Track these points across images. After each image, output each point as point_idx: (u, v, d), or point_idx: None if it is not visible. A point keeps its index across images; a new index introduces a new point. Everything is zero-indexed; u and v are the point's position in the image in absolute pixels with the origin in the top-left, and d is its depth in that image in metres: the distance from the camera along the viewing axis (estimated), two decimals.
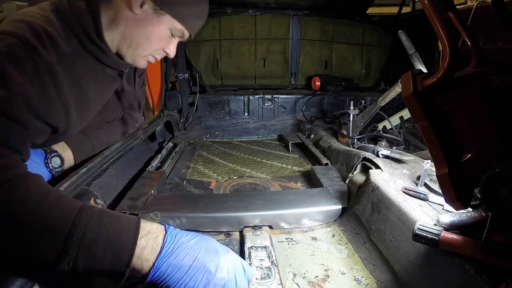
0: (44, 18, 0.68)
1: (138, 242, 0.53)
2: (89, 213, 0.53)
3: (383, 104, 1.38)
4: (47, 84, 0.64)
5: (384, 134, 1.51)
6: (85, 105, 0.78)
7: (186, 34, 0.83)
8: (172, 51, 0.84)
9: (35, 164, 0.80)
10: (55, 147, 0.85)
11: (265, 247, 0.77)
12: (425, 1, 0.46)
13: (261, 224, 0.87)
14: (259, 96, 1.98)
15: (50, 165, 0.83)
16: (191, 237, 0.58)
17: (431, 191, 0.78)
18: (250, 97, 1.98)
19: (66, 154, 0.86)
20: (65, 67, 0.68)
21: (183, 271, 0.54)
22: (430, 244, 0.56)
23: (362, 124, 1.43)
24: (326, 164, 1.29)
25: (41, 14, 0.68)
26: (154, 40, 0.80)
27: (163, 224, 0.59)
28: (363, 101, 1.82)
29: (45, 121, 0.66)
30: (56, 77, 0.66)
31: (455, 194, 0.49)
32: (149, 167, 1.21)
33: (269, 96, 1.99)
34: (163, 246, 0.54)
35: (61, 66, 0.67)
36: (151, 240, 0.54)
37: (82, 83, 0.75)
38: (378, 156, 1.03)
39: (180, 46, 1.80)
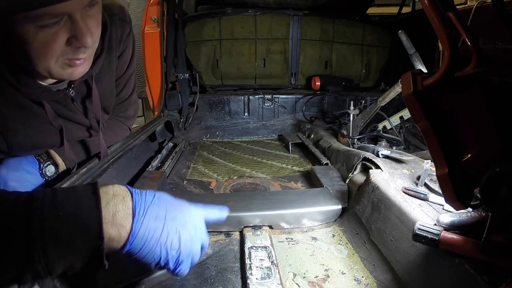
0: None
1: (105, 207, 0.45)
2: (40, 198, 0.44)
3: (383, 104, 1.38)
4: None
5: (384, 134, 1.51)
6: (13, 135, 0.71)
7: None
8: (82, 34, 0.59)
9: (30, 175, 0.78)
10: (46, 153, 0.82)
11: (265, 247, 0.77)
12: (425, 1, 0.46)
13: (261, 224, 0.87)
14: (259, 96, 1.98)
15: (45, 174, 0.81)
16: (151, 194, 0.52)
17: (431, 191, 0.77)
18: (250, 97, 1.97)
19: (59, 162, 0.84)
20: None
21: (158, 232, 0.49)
22: (430, 244, 0.56)
23: (362, 124, 1.43)
24: (326, 164, 1.29)
25: None
26: (35, 51, 0.58)
27: (124, 185, 0.52)
28: (363, 101, 1.81)
29: None
30: None
31: (455, 194, 0.49)
32: (149, 167, 1.21)
33: (269, 96, 1.99)
34: (135, 208, 0.48)
35: None
36: (120, 203, 0.47)
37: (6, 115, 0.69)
38: (378, 156, 1.02)
39: (180, 46, 1.82)
